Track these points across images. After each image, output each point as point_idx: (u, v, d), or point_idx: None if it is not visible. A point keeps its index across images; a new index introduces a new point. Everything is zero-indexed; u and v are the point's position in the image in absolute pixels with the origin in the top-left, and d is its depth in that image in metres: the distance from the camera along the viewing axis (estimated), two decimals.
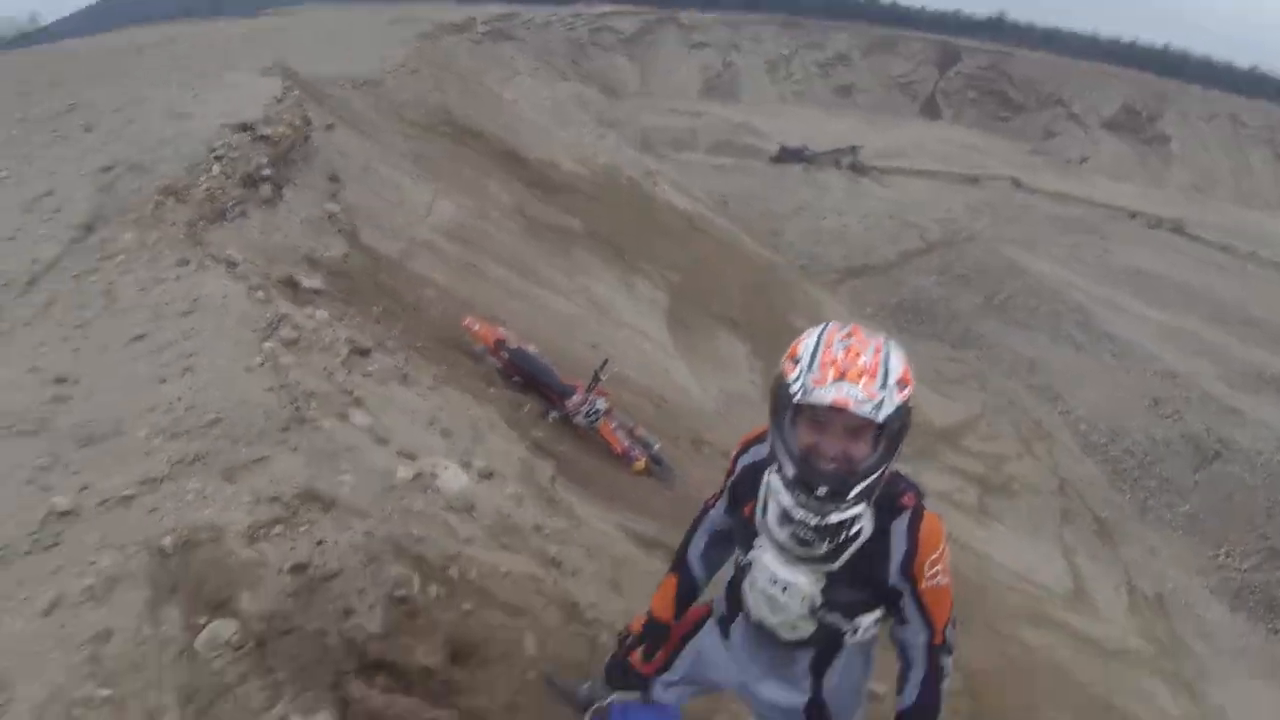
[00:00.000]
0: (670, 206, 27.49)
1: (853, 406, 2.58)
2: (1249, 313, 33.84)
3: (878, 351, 2.64)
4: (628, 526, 8.08)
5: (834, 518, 2.77)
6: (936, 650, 3.06)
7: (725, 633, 3.53)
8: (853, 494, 2.73)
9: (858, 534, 2.87)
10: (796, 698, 3.36)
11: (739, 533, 3.26)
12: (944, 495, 19.67)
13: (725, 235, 28.48)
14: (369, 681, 3.97)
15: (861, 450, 2.71)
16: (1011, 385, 28.43)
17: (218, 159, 10.27)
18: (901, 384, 2.63)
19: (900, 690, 3.16)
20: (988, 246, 35.38)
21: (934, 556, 2.90)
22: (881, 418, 2.60)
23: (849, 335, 2.68)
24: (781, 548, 2.98)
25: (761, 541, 3.08)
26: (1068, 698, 8.23)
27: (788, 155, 43.04)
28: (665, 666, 3.77)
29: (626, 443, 10.38)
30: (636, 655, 3.79)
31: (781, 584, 3.04)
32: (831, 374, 2.60)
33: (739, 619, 3.42)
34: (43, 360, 6.45)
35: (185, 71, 14.94)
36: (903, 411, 2.65)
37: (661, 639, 3.68)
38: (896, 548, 2.89)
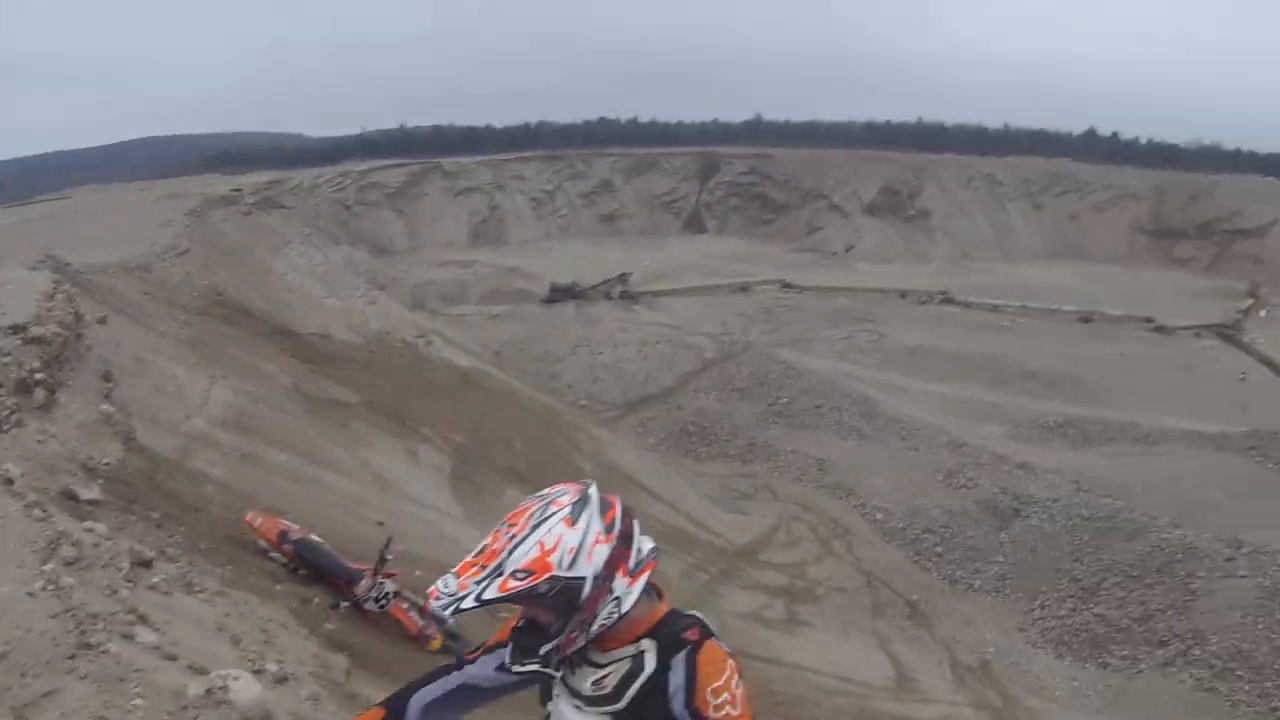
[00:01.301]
0: (446, 364, 27.89)
1: (433, 599, 2.71)
2: (1026, 366, 36.10)
3: (521, 531, 2.74)
4: None
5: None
6: None
7: None
8: (543, 651, 2.89)
9: (638, 672, 2.95)
10: None
11: (540, 684, 3.29)
12: (752, 614, 20.10)
13: (503, 386, 28.93)
14: None
15: (546, 616, 2.86)
16: (803, 489, 29.14)
17: None
18: (525, 572, 2.71)
19: None
20: (764, 353, 36.78)
21: (716, 685, 2.84)
22: (464, 607, 2.67)
23: (520, 514, 2.79)
24: (573, 694, 3.09)
25: (557, 690, 3.18)
26: None
27: (558, 294, 44.09)
28: None
29: (420, 622, 10.52)
30: None
31: None
32: (460, 564, 2.74)
33: None
34: None
35: None
36: (533, 591, 2.72)
37: None
38: (676, 684, 2.90)
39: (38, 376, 10.93)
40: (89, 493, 9.21)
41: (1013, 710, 19.28)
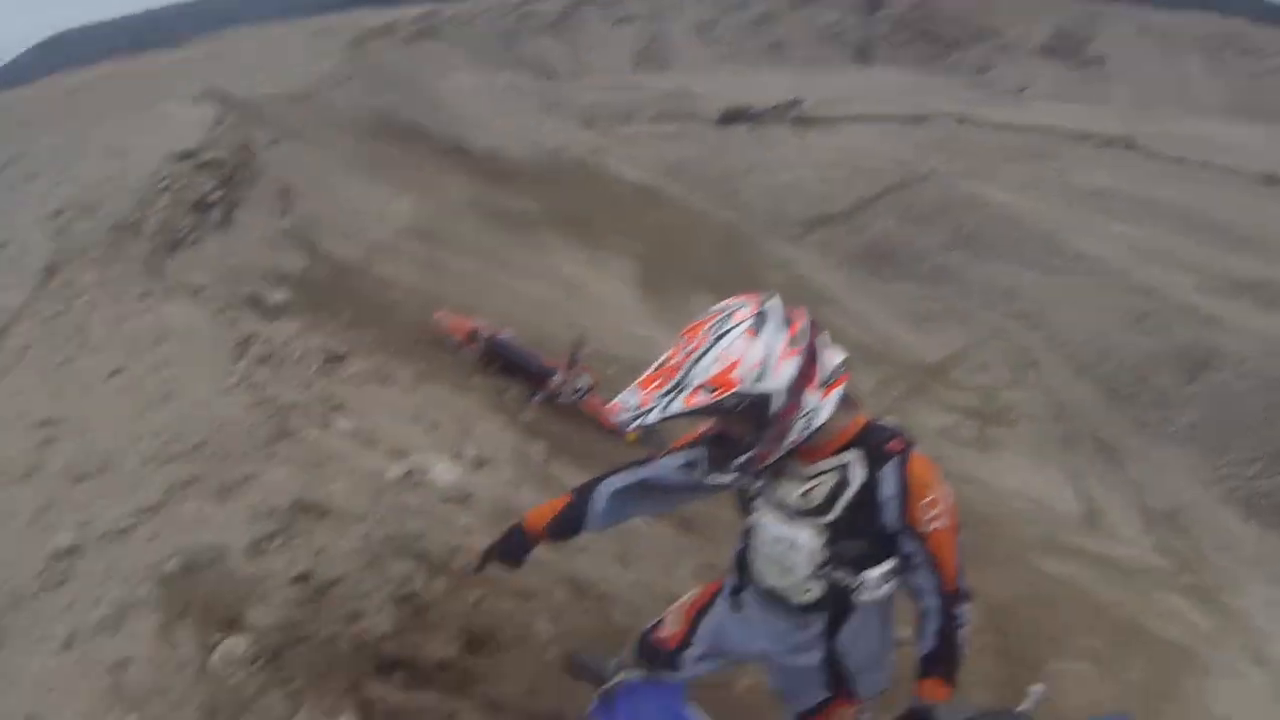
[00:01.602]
0: (623, 180, 27.35)
1: (617, 414, 2.72)
2: (1213, 219, 33.77)
3: (703, 344, 2.67)
4: None
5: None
6: (949, 598, 2.99)
7: (737, 604, 3.50)
8: (732, 465, 2.86)
9: (846, 484, 2.89)
10: (814, 657, 3.33)
11: (737, 498, 3.24)
12: (944, 431, 19.49)
13: (683, 203, 28.31)
14: (386, 680, 3.97)
15: (739, 429, 2.81)
16: (992, 316, 28.08)
17: (164, 190, 10.19)
18: (710, 386, 2.65)
19: (918, 638, 3.10)
20: (944, 183, 35.06)
21: (928, 499, 2.85)
22: (647, 422, 2.67)
23: (699, 328, 2.72)
24: (779, 505, 3.01)
25: (759, 504, 3.10)
26: (1096, 623, 8.17)
27: (731, 116, 42.74)
28: (685, 642, 3.73)
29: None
30: (660, 633, 3.79)
31: (785, 542, 3.05)
32: (641, 378, 2.72)
33: (749, 588, 3.40)
34: (26, 405, 6.42)
35: (121, 108, 14.77)
36: (720, 406, 2.68)
37: (520, 549, 3.58)
38: (887, 495, 2.85)
39: (214, 197, 10.93)
40: (276, 297, 9.16)
41: (1200, 563, 18.27)
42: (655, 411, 2.64)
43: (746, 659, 3.67)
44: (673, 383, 2.64)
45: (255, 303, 8.86)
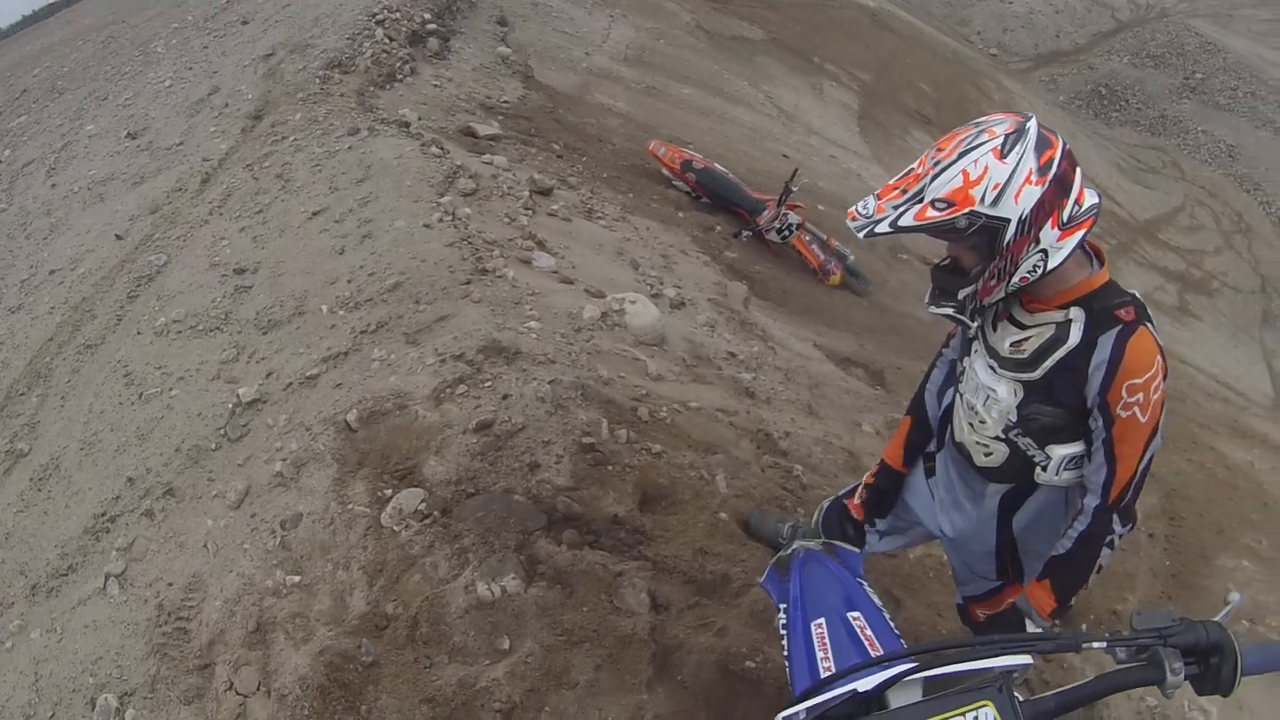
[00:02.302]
0: (852, 4, 25.96)
1: (850, 220, 2.57)
2: None
3: (948, 157, 2.46)
4: (824, 344, 7.71)
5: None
6: (1109, 505, 2.72)
7: (931, 469, 3.37)
8: (960, 295, 2.67)
9: (1060, 342, 2.64)
10: (988, 540, 3.17)
11: (961, 341, 3.08)
12: (1144, 294, 18.24)
13: (911, 30, 26.80)
14: (556, 538, 3.86)
15: (968, 258, 2.62)
16: (1210, 173, 26.01)
17: (379, 23, 10.17)
18: (945, 202, 2.45)
19: (1061, 536, 2.88)
20: (1180, 23, 32.08)
21: (1137, 381, 2.55)
22: (878, 231, 2.50)
23: (949, 140, 2.51)
24: (990, 352, 2.83)
25: (976, 346, 2.92)
26: (1266, 518, 7.44)
27: None
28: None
29: (821, 256, 9.94)
30: (854, 501, 3.63)
31: (985, 392, 2.86)
32: (883, 185, 2.55)
33: (945, 449, 3.25)
34: (222, 254, 6.57)
35: None
36: (952, 225, 2.47)
37: (895, 486, 3.52)
38: (1098, 362, 2.57)
39: (430, 27, 10.87)
40: (488, 129, 9.07)
41: None
42: (885, 222, 2.50)
43: (927, 536, 3.55)
44: (911, 194, 2.49)
45: (467, 135, 8.79)
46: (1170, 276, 20.54)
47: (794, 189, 9.76)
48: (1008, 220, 2.44)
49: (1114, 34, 32.46)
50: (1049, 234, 2.49)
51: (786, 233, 9.82)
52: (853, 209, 2.56)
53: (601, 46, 14.33)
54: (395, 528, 3.81)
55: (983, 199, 2.43)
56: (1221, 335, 19.29)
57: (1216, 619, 1.85)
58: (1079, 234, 2.52)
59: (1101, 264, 2.73)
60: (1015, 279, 2.56)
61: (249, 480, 4.27)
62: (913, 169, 2.51)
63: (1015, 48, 32.06)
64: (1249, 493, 8.19)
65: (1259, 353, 19.43)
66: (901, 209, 2.47)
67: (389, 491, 3.97)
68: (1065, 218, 2.49)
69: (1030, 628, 2.92)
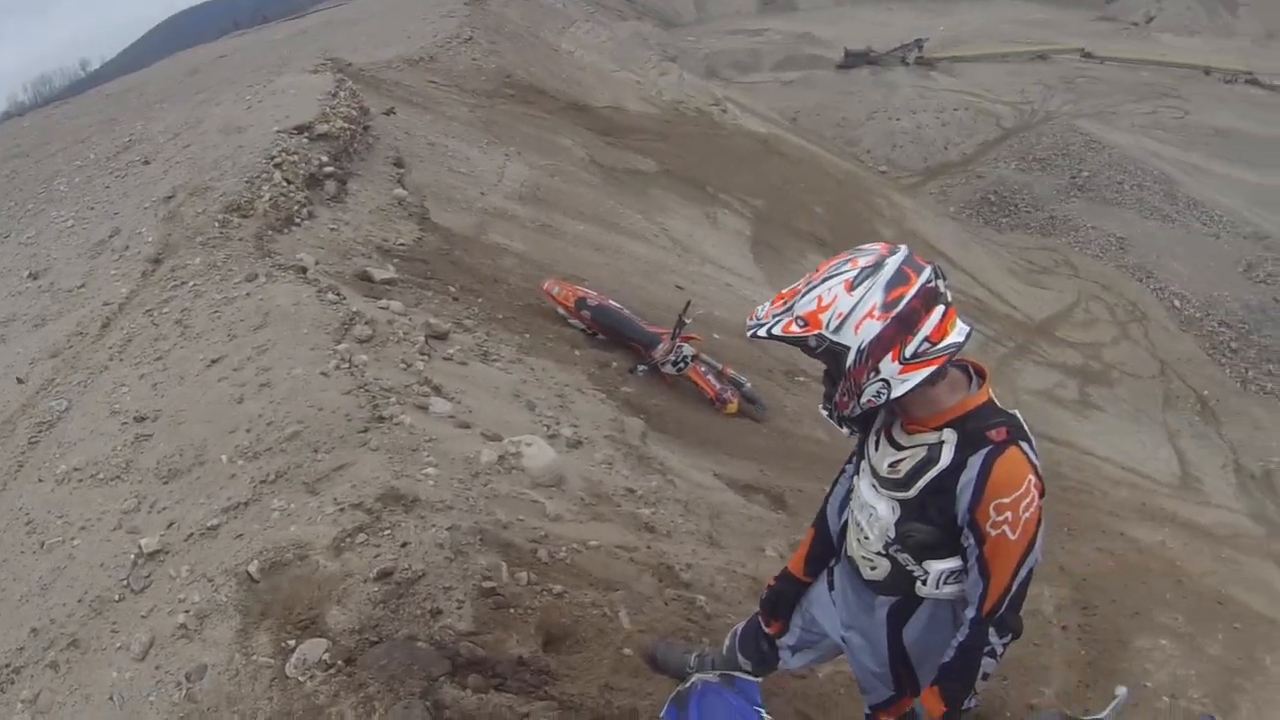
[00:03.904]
0: (743, 131, 26.97)
1: (747, 320, 2.79)
2: None
3: (818, 278, 2.71)
4: (724, 473, 7.95)
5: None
6: (985, 617, 2.89)
7: (832, 583, 3.51)
8: (821, 405, 2.94)
9: (931, 463, 2.80)
10: (881, 651, 3.30)
11: (856, 459, 3.24)
12: (1045, 392, 19.12)
13: (802, 153, 27.87)
14: (462, 682, 3.96)
15: (831, 373, 2.83)
16: (1102, 267, 27.27)
17: (277, 166, 10.35)
18: (803, 320, 2.68)
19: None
20: (1064, 124, 33.92)
21: (1004, 500, 2.69)
22: (756, 335, 2.72)
23: (826, 264, 2.76)
24: (872, 472, 3.01)
25: (863, 466, 3.10)
26: (1180, 595, 7.84)
27: (853, 60, 41.64)
28: (784, 628, 3.75)
29: (718, 386, 10.21)
30: (762, 612, 3.78)
31: (867, 509, 3.04)
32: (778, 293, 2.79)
33: (841, 561, 3.41)
34: (122, 402, 6.59)
35: (236, 85, 15.00)
36: (804, 343, 2.71)
37: (794, 591, 3.68)
38: (965, 481, 2.72)
39: (327, 170, 11.07)
40: (384, 273, 9.25)
41: None
42: (762, 329, 2.71)
43: (835, 649, 3.66)
44: (785, 307, 2.70)
45: (364, 279, 8.96)
46: (1070, 372, 21.25)
47: (687, 321, 10.05)
48: (848, 348, 2.65)
49: (1000, 141, 33.90)
50: (889, 366, 2.67)
51: (682, 365, 10.07)
52: (753, 310, 2.77)
53: (497, 185, 14.67)
54: (300, 678, 3.87)
55: (828, 324, 2.64)
56: (1125, 422, 19.96)
57: (1102, 715, 2.07)
58: (924, 370, 2.68)
59: (983, 382, 2.89)
60: (863, 401, 2.75)
61: (153, 632, 4.30)
62: (797, 284, 2.73)
63: (905, 163, 33.20)
64: (1162, 572, 8.54)
65: (1164, 435, 20.15)
66: (777, 319, 2.69)
67: (293, 642, 4.04)
68: (909, 353, 2.66)
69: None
